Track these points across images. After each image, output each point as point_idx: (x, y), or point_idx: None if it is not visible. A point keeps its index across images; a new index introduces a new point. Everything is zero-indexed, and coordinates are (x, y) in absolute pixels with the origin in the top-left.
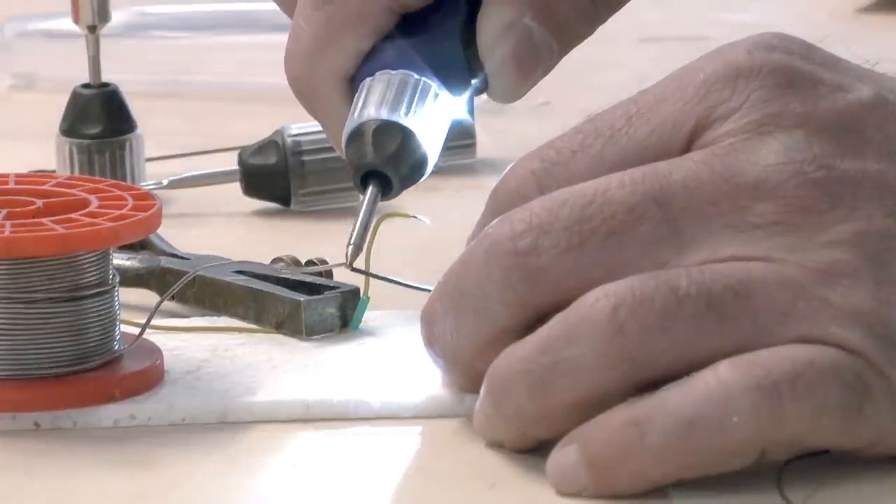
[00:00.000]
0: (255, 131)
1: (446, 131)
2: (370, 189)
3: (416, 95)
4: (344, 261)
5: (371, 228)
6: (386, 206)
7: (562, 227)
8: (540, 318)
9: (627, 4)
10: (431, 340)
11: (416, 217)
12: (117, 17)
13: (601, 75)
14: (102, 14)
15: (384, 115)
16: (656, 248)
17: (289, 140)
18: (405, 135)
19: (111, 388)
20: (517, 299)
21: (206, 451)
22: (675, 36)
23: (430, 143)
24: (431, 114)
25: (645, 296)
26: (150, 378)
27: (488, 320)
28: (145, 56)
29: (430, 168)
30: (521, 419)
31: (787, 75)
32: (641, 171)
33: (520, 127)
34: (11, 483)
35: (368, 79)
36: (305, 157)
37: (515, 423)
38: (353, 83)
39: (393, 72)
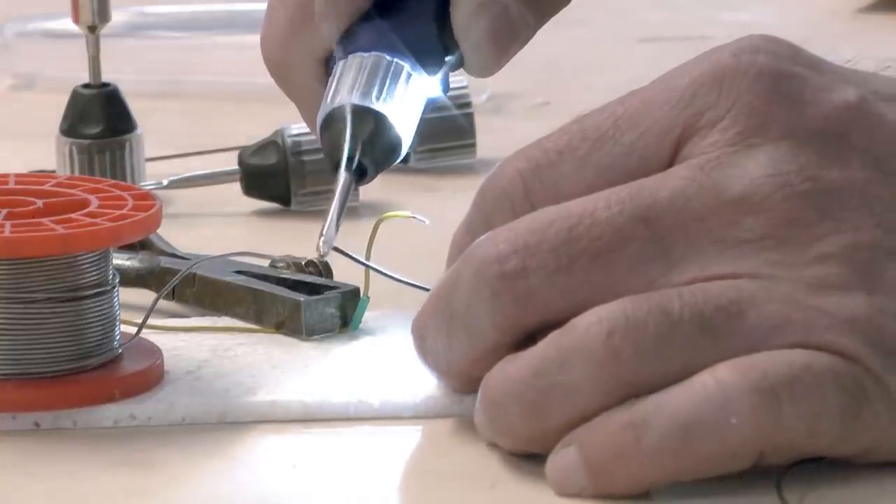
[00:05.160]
0: (255, 131)
1: (421, 111)
2: (343, 176)
3: (389, 78)
4: (316, 252)
5: (343, 216)
6: (386, 206)
7: (549, 248)
8: (532, 336)
9: (626, 4)
10: (424, 353)
11: (415, 217)
12: (117, 17)
13: (601, 75)
14: (102, 14)
15: (356, 99)
16: (645, 267)
17: (289, 140)
18: (378, 120)
19: (111, 388)
20: (507, 320)
21: (206, 451)
22: (675, 36)
23: (404, 125)
24: (404, 95)
25: (638, 320)
26: (150, 378)
27: (480, 339)
28: (145, 56)
29: (404, 150)
30: (514, 437)
31: (773, 78)
32: (628, 190)
33: (520, 127)
34: (11, 483)
35: (341, 62)
36: (305, 157)
37: (509, 439)
38: (328, 65)
39: (365, 54)
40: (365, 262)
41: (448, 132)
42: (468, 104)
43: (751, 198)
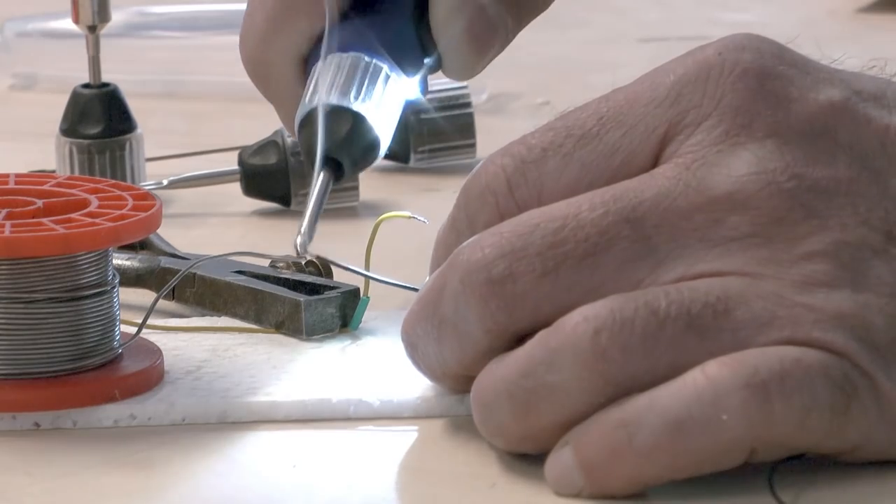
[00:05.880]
0: (255, 131)
1: (399, 112)
2: (322, 175)
3: (367, 78)
4: (294, 252)
5: (321, 214)
6: (386, 206)
7: (535, 251)
8: (522, 337)
9: (626, 4)
10: (416, 360)
11: (415, 217)
12: (117, 17)
13: (601, 75)
14: (102, 14)
15: (335, 99)
16: (631, 267)
17: (289, 140)
18: (356, 119)
19: (111, 388)
20: (496, 325)
21: (206, 451)
22: (675, 36)
23: (382, 125)
24: (383, 96)
25: (626, 319)
26: (150, 378)
27: (471, 344)
28: (145, 56)
29: (382, 151)
30: (506, 437)
31: (757, 76)
32: (612, 192)
33: (520, 127)
34: (11, 483)
35: (320, 62)
36: None
37: (501, 439)
38: (306, 65)
39: (344, 54)
40: (352, 268)
41: (448, 132)
42: (468, 104)
43: (736, 195)
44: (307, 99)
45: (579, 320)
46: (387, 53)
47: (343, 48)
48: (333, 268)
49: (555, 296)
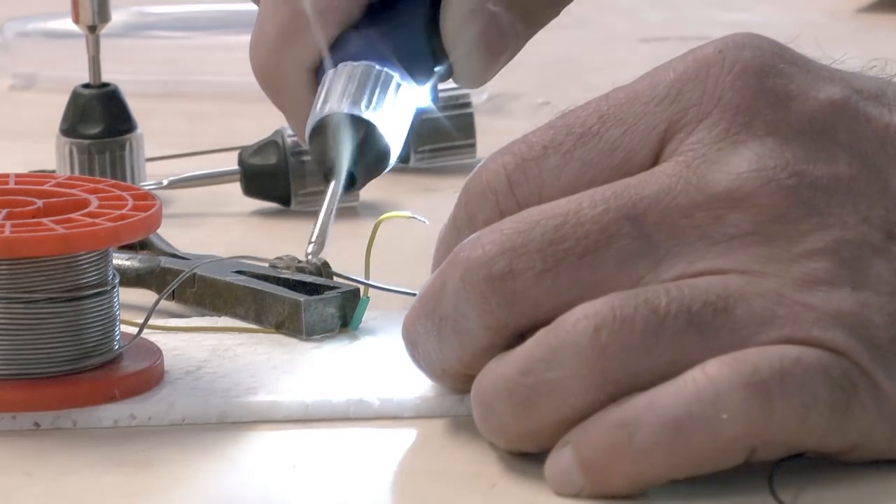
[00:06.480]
0: (255, 131)
1: (410, 121)
2: (332, 183)
3: (378, 87)
4: (305, 259)
5: (332, 224)
6: (386, 206)
7: (535, 248)
8: (523, 334)
9: (627, 4)
10: (417, 358)
11: (415, 217)
12: (117, 17)
13: (601, 75)
14: (102, 14)
15: (346, 108)
16: (632, 264)
17: (289, 140)
18: (367, 128)
19: (111, 388)
20: (496, 322)
21: (206, 451)
22: (675, 36)
23: (393, 134)
24: (394, 104)
25: (626, 316)
26: (150, 378)
27: (471, 341)
28: (145, 56)
29: (393, 159)
30: (507, 436)
31: (757, 74)
32: (613, 189)
33: (520, 127)
34: (11, 483)
35: (331, 70)
36: (305, 157)
37: (502, 438)
38: (317, 74)
39: (355, 63)
40: (352, 277)
41: (448, 132)
42: (468, 104)
43: (737, 193)
44: (318, 108)
45: (579, 317)
46: (398, 62)
47: (355, 57)
48: (339, 267)
49: (554, 293)
